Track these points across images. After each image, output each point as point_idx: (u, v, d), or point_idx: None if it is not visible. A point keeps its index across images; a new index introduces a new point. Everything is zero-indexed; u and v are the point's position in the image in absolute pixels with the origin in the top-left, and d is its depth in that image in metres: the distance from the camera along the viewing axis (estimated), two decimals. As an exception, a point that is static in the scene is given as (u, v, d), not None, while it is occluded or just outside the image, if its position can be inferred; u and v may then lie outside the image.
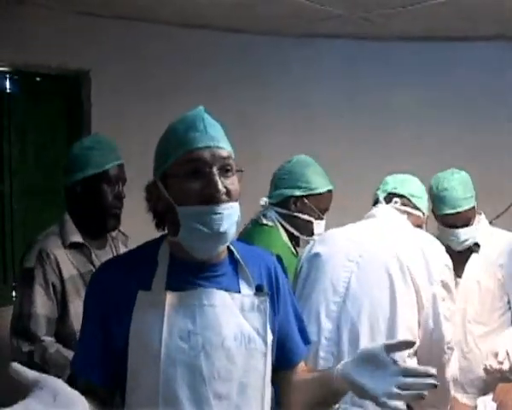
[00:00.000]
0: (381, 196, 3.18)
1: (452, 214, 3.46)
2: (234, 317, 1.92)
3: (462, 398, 3.37)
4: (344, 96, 5.56)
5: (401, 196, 3.13)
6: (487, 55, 5.49)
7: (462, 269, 3.53)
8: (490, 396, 3.08)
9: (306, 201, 3.31)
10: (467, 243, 3.50)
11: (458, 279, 3.51)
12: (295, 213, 3.32)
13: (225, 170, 1.90)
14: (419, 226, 3.12)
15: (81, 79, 4.84)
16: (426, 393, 1.75)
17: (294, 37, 5.42)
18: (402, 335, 2.63)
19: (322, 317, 2.75)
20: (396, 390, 1.78)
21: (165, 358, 1.84)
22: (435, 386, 1.74)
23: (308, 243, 3.32)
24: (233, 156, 1.95)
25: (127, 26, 4.88)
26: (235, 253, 2.03)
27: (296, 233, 3.34)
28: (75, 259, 3.06)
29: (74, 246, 3.08)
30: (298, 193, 3.30)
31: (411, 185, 3.19)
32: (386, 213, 3.08)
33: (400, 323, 2.65)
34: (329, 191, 3.39)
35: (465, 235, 3.49)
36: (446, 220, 3.50)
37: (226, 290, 1.94)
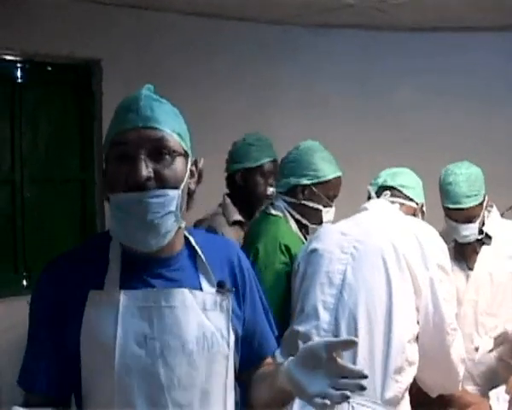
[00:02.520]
0: (373, 190, 3.20)
1: (454, 209, 3.44)
2: (195, 317, 1.77)
3: (473, 390, 3.35)
4: (356, 84, 5.55)
5: (391, 188, 3.15)
6: (499, 44, 5.47)
7: (474, 261, 3.50)
8: (503, 388, 3.06)
9: (314, 189, 3.27)
10: (468, 238, 3.47)
11: (470, 272, 3.49)
12: (303, 202, 3.29)
13: (158, 153, 1.71)
14: (413, 215, 3.13)
15: (92, 68, 4.84)
16: (349, 395, 1.63)
17: (307, 26, 5.40)
18: (399, 322, 2.63)
19: (320, 310, 2.73)
20: (329, 391, 1.64)
21: (120, 366, 1.69)
22: (364, 388, 1.64)
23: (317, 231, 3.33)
24: (176, 139, 1.75)
25: (139, 15, 4.88)
26: (193, 243, 1.87)
27: (305, 222, 3.31)
28: (237, 234, 3.58)
29: (235, 223, 3.67)
30: (305, 181, 3.26)
31: (402, 177, 3.20)
32: (377, 205, 3.09)
33: (397, 310, 2.64)
34: (338, 178, 3.36)
35: (466, 231, 3.45)
36: (449, 214, 3.47)
37: (186, 287, 1.78)
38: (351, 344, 1.76)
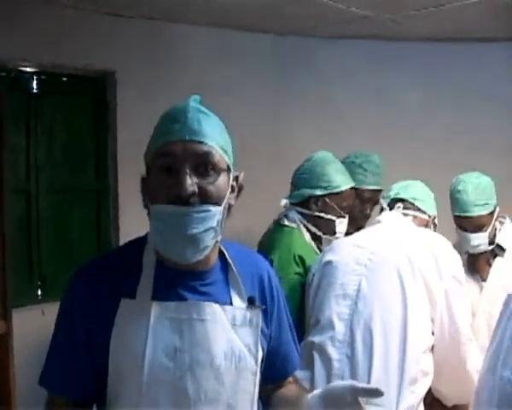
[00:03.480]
0: (385, 203, 3.24)
1: (462, 217, 3.44)
2: (224, 332, 1.78)
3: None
4: (370, 96, 5.54)
5: (404, 201, 3.19)
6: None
7: (487, 273, 3.50)
8: None
9: (328, 200, 3.29)
10: (477, 248, 3.48)
11: (483, 283, 3.49)
12: (317, 213, 3.30)
13: (203, 168, 1.72)
14: (425, 228, 3.15)
15: (107, 79, 4.86)
16: None
17: (321, 38, 5.40)
18: (414, 333, 2.64)
19: (335, 321, 2.75)
20: None
21: (149, 377, 1.70)
22: None
23: (331, 242, 3.32)
24: (221, 153, 1.76)
25: (153, 26, 4.89)
26: (228, 258, 1.88)
27: (318, 233, 3.32)
28: None
29: None
30: (319, 192, 3.28)
31: (414, 189, 3.24)
32: (391, 217, 3.11)
33: (412, 321, 2.66)
34: (351, 188, 3.37)
35: (475, 240, 3.46)
36: (458, 222, 3.49)
37: (217, 302, 1.79)
38: (377, 394, 1.74)
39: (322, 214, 3.31)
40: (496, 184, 3.54)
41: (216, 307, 1.78)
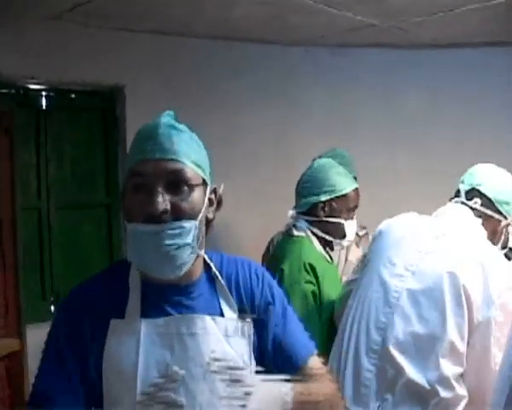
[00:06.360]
0: (464, 189, 2.88)
1: None
2: (217, 344, 1.77)
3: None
4: (380, 104, 5.54)
5: (484, 197, 2.81)
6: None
7: None
8: None
9: (334, 203, 3.31)
10: None
11: None
12: (325, 218, 3.31)
13: (176, 185, 1.71)
14: (495, 232, 2.83)
15: (116, 94, 4.87)
16: None
17: (330, 47, 5.40)
18: (446, 358, 2.47)
19: (371, 328, 2.64)
20: None
21: (142, 394, 1.69)
22: None
23: (342, 245, 3.37)
24: (194, 169, 1.75)
25: (161, 40, 4.90)
26: (214, 269, 1.87)
27: (329, 238, 3.34)
28: None
29: None
30: (324, 198, 3.29)
31: (499, 186, 2.84)
32: (459, 218, 2.80)
33: (447, 345, 2.48)
34: (355, 190, 3.38)
35: None
36: None
37: (207, 314, 1.79)
38: None
39: (330, 219, 3.32)
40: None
41: (207, 318, 1.78)
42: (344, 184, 3.33)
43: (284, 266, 3.15)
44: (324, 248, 3.35)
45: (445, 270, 2.56)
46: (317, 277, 3.15)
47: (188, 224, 1.71)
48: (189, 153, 1.76)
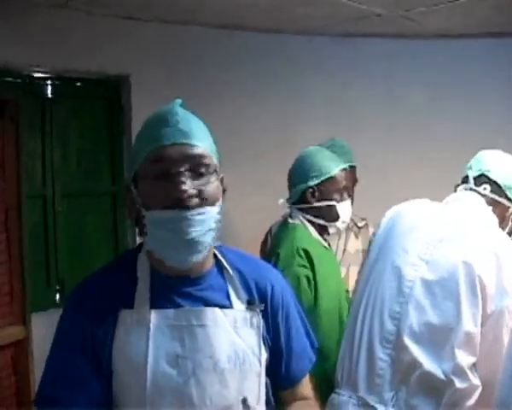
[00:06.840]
0: (472, 175, 2.84)
1: None
2: (227, 335, 1.76)
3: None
4: (382, 93, 5.53)
5: (493, 183, 2.78)
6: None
7: None
8: None
9: (322, 187, 3.33)
10: None
11: None
12: (316, 203, 3.33)
13: (199, 170, 1.70)
14: (503, 218, 2.80)
15: (121, 83, 4.88)
16: None
17: (332, 36, 5.40)
18: (461, 348, 2.45)
19: (385, 317, 2.60)
20: None
21: (152, 386, 1.68)
22: None
23: (337, 229, 3.40)
24: (211, 155, 1.75)
25: (166, 29, 4.91)
26: (223, 261, 1.86)
27: (323, 222, 3.35)
28: None
29: None
30: (312, 183, 3.32)
31: (508, 171, 2.80)
32: (470, 204, 2.76)
33: (462, 335, 2.46)
34: (343, 170, 3.40)
35: None
36: None
37: (216, 306, 1.78)
38: None
39: (322, 203, 3.33)
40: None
41: (216, 310, 1.77)
42: (330, 166, 3.34)
43: (279, 250, 3.20)
44: (322, 235, 3.37)
45: (459, 260, 2.52)
46: (311, 262, 3.18)
47: (212, 209, 1.71)
48: (207, 139, 1.77)
